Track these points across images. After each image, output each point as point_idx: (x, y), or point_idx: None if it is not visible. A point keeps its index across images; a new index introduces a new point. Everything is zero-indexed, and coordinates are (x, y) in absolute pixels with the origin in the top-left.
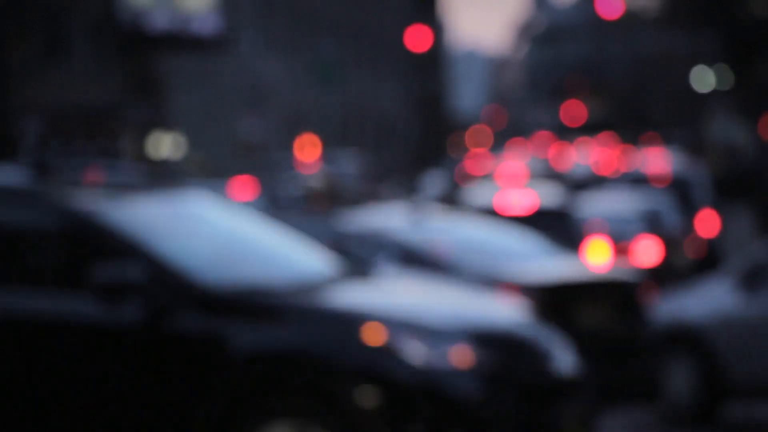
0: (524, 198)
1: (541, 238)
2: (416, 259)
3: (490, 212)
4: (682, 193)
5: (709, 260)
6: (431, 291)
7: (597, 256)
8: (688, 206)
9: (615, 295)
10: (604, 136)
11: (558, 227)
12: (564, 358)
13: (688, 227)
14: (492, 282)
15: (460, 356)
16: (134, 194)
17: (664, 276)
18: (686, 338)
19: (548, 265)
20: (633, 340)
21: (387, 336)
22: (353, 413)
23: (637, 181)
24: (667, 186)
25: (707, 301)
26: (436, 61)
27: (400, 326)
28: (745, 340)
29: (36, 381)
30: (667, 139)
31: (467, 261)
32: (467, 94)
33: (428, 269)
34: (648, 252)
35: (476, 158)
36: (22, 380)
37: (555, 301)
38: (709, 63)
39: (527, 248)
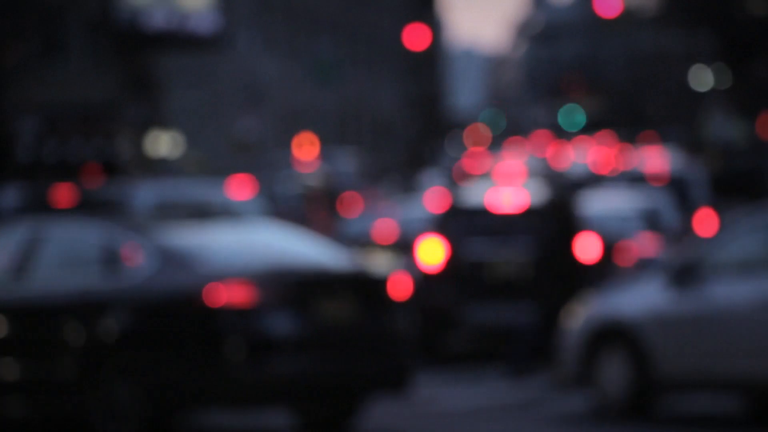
0: (516, 196)
1: (327, 245)
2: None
3: (484, 210)
4: (680, 192)
5: None
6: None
7: (587, 254)
8: (686, 205)
9: (361, 290)
10: (602, 134)
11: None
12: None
13: (686, 226)
14: (229, 275)
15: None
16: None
17: None
18: (619, 334)
19: (305, 260)
20: (379, 333)
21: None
22: None
23: (635, 179)
24: (665, 185)
25: (640, 297)
26: (433, 60)
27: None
28: (675, 335)
29: None
30: (664, 138)
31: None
32: (465, 93)
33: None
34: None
35: (474, 157)
36: None
37: (295, 294)
38: (707, 62)
39: (307, 252)
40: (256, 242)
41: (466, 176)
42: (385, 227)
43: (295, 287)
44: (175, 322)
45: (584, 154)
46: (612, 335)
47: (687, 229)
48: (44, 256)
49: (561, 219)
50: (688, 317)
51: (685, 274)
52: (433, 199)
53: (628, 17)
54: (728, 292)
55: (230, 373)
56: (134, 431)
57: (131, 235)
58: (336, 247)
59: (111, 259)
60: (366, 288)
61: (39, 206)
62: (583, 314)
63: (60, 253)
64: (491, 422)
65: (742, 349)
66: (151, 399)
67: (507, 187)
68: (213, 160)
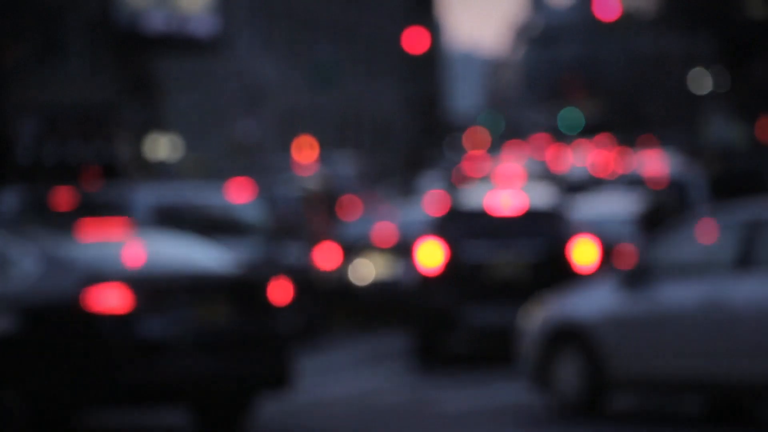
0: (515, 199)
1: (216, 252)
2: None
3: (483, 212)
4: (679, 195)
5: None
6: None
7: (585, 257)
8: (684, 208)
9: (240, 294)
10: (601, 137)
11: (547, 228)
12: None
13: None
14: (107, 279)
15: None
16: None
17: None
18: (574, 335)
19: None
20: (259, 335)
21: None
22: None
23: (634, 182)
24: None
25: (593, 299)
26: (433, 63)
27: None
28: (627, 336)
29: None
30: (663, 141)
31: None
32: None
33: None
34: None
35: (473, 160)
36: None
37: (172, 298)
38: (706, 65)
39: (191, 259)
40: (141, 249)
41: (465, 179)
42: (385, 230)
43: (172, 292)
44: (56, 326)
45: (583, 157)
46: (567, 336)
47: None
48: None
49: (560, 221)
50: (638, 318)
51: (635, 276)
52: (433, 201)
53: (627, 20)
54: (676, 294)
55: (108, 376)
56: None
57: (13, 240)
58: (223, 254)
59: None
60: (245, 292)
61: (39, 209)
62: (540, 315)
63: None
64: (491, 423)
65: (689, 349)
66: (34, 403)
67: (506, 190)
68: (212, 162)
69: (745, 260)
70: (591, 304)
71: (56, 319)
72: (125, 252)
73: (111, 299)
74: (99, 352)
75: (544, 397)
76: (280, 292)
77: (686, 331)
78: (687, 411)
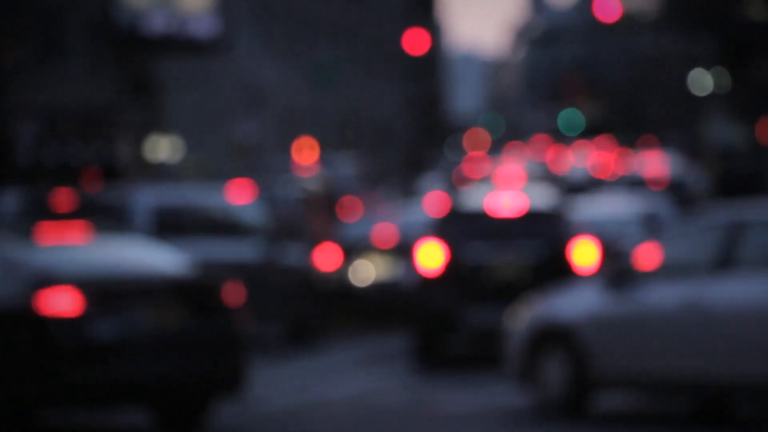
0: (515, 200)
1: (172, 256)
2: None
3: (483, 214)
4: (679, 196)
5: None
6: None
7: (585, 258)
8: (685, 209)
9: (192, 297)
10: (602, 139)
11: (548, 229)
12: None
13: None
14: (58, 283)
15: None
16: None
17: None
18: (558, 335)
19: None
20: (211, 337)
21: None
22: None
23: (635, 184)
24: (665, 189)
25: (578, 300)
26: (433, 64)
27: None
28: (610, 336)
29: None
30: (664, 142)
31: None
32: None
33: None
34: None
35: (474, 161)
36: None
37: (122, 301)
38: (706, 66)
39: (145, 263)
40: (94, 254)
41: (465, 180)
42: (385, 231)
43: (123, 294)
44: (7, 329)
45: (584, 159)
46: (552, 336)
47: None
48: None
49: (560, 222)
50: (622, 319)
51: (619, 277)
52: (433, 203)
53: (627, 21)
54: (658, 295)
55: (58, 378)
56: None
57: None
58: (179, 257)
59: None
60: (198, 295)
61: (39, 211)
62: (526, 316)
63: None
64: (491, 424)
65: (671, 350)
66: None
67: (506, 191)
68: (212, 163)
69: (725, 262)
70: (576, 304)
71: (7, 322)
72: (78, 255)
73: (62, 302)
74: (50, 354)
75: (530, 398)
76: (234, 294)
77: (668, 332)
78: (673, 411)
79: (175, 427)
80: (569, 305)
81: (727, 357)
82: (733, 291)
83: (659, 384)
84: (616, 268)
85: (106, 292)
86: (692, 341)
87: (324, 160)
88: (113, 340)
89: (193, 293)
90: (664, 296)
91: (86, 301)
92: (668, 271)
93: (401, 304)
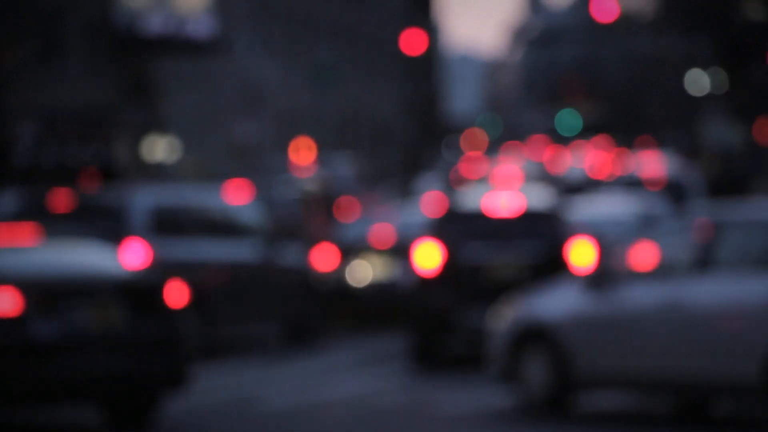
0: (512, 200)
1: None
2: None
3: (481, 214)
4: (676, 197)
5: None
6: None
7: (582, 258)
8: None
9: (134, 297)
10: (599, 139)
11: (545, 229)
12: None
13: None
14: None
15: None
16: None
17: None
18: (541, 335)
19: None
20: (153, 336)
21: None
22: None
23: (632, 184)
24: (662, 189)
25: (559, 300)
26: (431, 65)
27: None
28: (591, 336)
29: None
30: (661, 143)
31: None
32: (462, 98)
33: None
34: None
35: (471, 161)
36: None
37: (62, 301)
38: (704, 66)
39: (88, 264)
40: (39, 256)
41: (463, 180)
42: (383, 231)
43: (63, 294)
44: None
45: (581, 159)
46: (534, 336)
47: None
48: None
49: (557, 223)
50: (602, 319)
51: (600, 277)
52: (431, 203)
53: (625, 22)
54: (638, 295)
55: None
56: None
57: None
58: (121, 258)
59: None
60: (139, 295)
61: (37, 211)
62: (509, 316)
63: None
64: (490, 424)
65: (650, 349)
66: None
67: (504, 191)
68: (211, 164)
69: (704, 262)
70: (557, 304)
71: None
72: (22, 257)
73: (1, 302)
74: None
75: (512, 397)
76: (177, 294)
77: (648, 332)
78: (656, 410)
79: (126, 425)
80: (551, 305)
81: (706, 356)
82: (712, 290)
83: (640, 383)
84: (597, 268)
85: (47, 293)
86: (672, 341)
87: (322, 160)
88: (53, 340)
89: (135, 294)
90: (645, 296)
91: (26, 301)
92: (649, 271)
93: (399, 305)
